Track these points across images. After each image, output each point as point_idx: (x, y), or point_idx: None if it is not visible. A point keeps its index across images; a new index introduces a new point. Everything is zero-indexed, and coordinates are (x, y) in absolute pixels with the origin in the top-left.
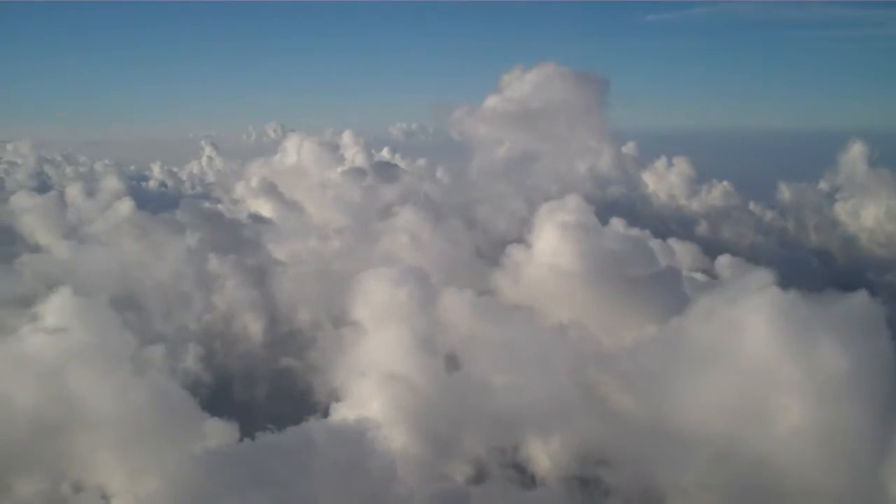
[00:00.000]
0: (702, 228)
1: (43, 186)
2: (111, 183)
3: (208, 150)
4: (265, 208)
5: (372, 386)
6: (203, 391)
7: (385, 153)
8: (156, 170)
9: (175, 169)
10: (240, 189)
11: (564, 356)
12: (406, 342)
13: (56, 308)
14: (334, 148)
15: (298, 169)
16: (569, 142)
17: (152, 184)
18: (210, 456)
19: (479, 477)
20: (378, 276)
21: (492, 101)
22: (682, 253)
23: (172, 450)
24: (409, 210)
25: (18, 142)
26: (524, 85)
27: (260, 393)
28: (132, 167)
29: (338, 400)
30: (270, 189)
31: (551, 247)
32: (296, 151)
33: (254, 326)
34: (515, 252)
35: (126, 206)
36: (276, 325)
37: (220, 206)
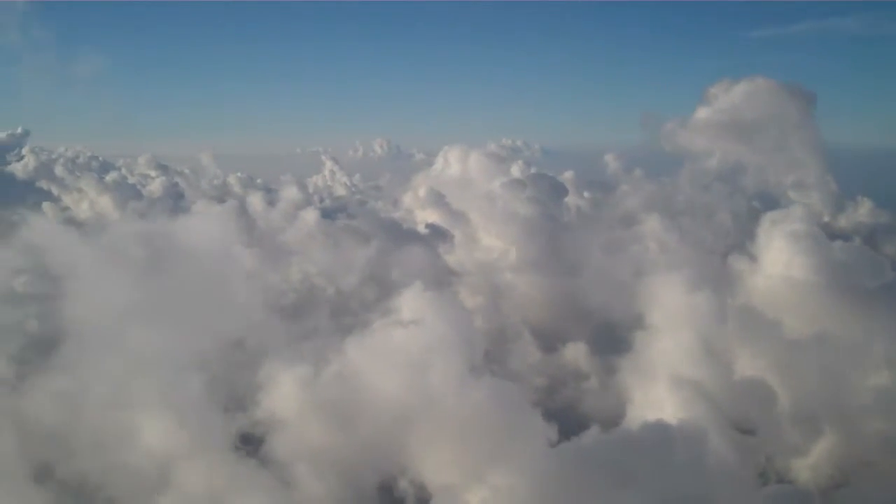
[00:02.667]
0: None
1: (177, 197)
2: (291, 193)
3: (329, 165)
4: (432, 218)
5: (664, 389)
6: None
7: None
8: (286, 182)
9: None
10: (407, 199)
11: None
12: (691, 346)
13: (409, 301)
14: (500, 159)
15: (463, 180)
16: (779, 154)
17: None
18: (562, 452)
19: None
20: (665, 282)
21: (702, 113)
22: None
23: (519, 446)
24: (653, 218)
25: (141, 155)
26: (733, 97)
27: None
28: (259, 180)
29: (630, 403)
30: (438, 200)
31: (780, 257)
32: (458, 162)
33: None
34: (738, 262)
35: (312, 215)
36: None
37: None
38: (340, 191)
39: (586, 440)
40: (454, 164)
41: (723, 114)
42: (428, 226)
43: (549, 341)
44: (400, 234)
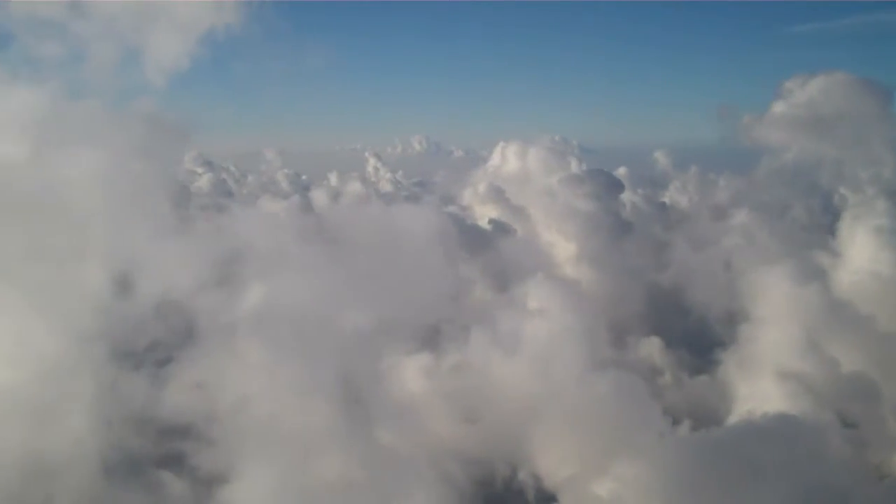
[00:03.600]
0: None
1: (226, 194)
2: (354, 188)
3: (373, 161)
4: (493, 214)
5: (769, 383)
6: None
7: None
8: (332, 179)
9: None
10: (467, 196)
11: None
12: (795, 339)
13: (535, 291)
14: (556, 155)
15: (521, 175)
16: (857, 149)
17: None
18: (684, 443)
19: None
20: (767, 276)
21: (778, 107)
22: None
23: (641, 438)
24: (742, 212)
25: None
26: (809, 91)
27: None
28: (304, 177)
29: (733, 397)
30: (498, 195)
31: (865, 252)
32: (515, 158)
33: None
34: (821, 257)
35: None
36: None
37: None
38: (386, 187)
39: (712, 433)
40: (511, 159)
41: (800, 108)
42: (490, 221)
43: (635, 336)
44: (466, 229)
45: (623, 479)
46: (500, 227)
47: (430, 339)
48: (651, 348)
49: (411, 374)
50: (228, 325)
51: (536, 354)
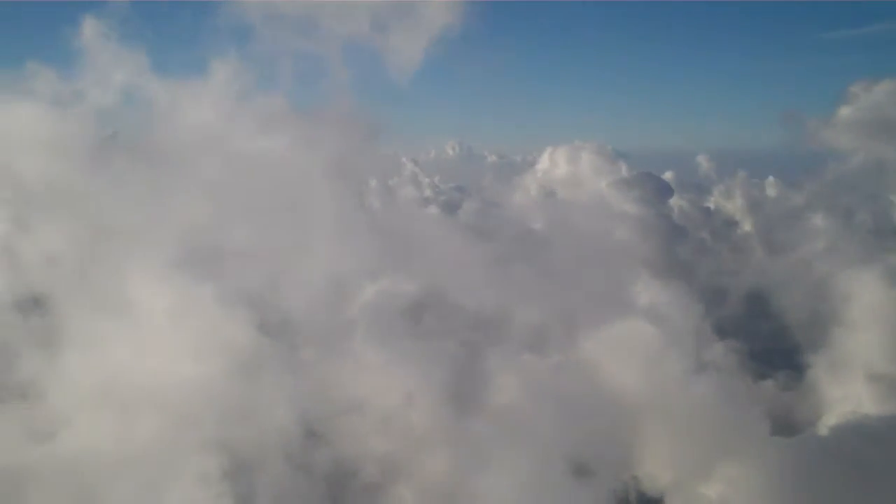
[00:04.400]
0: None
1: None
2: (408, 192)
3: (410, 166)
4: (545, 218)
5: (862, 385)
6: None
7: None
8: (371, 183)
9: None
10: (518, 200)
11: None
12: (888, 341)
13: (641, 292)
14: (607, 159)
15: (570, 180)
16: None
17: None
18: (790, 445)
19: None
20: (857, 278)
21: (844, 112)
22: None
23: (744, 439)
24: (817, 216)
25: None
26: (875, 96)
27: None
28: None
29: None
30: (549, 199)
31: None
32: (564, 162)
33: None
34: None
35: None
36: None
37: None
38: (426, 191)
39: (818, 432)
40: (560, 163)
41: (866, 112)
42: (544, 224)
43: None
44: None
45: (731, 480)
46: (555, 230)
47: (537, 338)
48: (733, 351)
49: (518, 374)
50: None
51: (640, 356)
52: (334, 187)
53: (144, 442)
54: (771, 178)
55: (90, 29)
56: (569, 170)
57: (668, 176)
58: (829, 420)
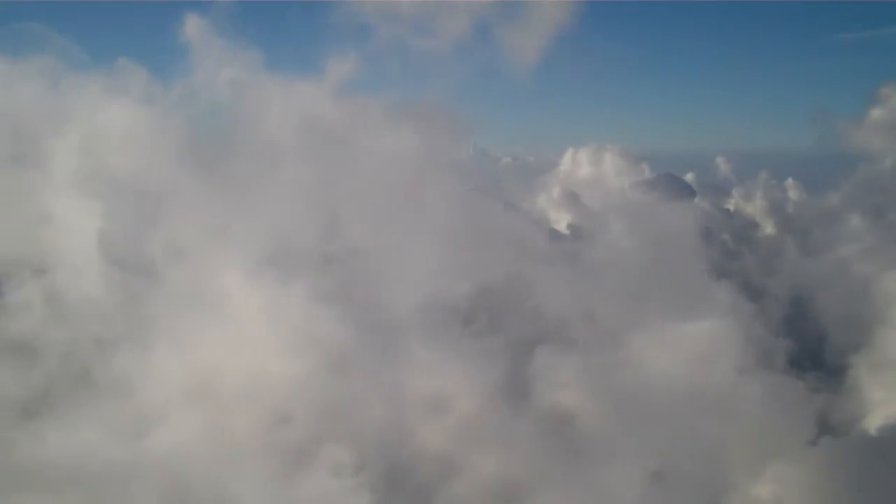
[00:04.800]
0: None
1: None
2: None
3: None
4: (569, 219)
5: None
6: None
7: None
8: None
9: None
10: (540, 201)
11: None
12: None
13: (688, 293)
14: (628, 160)
15: (596, 181)
16: None
17: None
18: (841, 445)
19: None
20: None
21: (876, 113)
22: None
23: (795, 440)
24: (853, 218)
25: None
26: None
27: None
28: None
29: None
30: (573, 200)
31: None
32: (587, 164)
33: None
34: None
35: None
36: None
37: None
38: None
39: (868, 433)
40: (583, 164)
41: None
42: (569, 226)
43: None
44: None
45: (783, 481)
46: (578, 232)
47: (590, 337)
48: (781, 351)
49: (573, 373)
50: None
51: (694, 355)
52: (426, 186)
53: (240, 439)
54: (790, 180)
55: (193, 27)
56: (592, 171)
57: (688, 178)
58: (874, 421)
